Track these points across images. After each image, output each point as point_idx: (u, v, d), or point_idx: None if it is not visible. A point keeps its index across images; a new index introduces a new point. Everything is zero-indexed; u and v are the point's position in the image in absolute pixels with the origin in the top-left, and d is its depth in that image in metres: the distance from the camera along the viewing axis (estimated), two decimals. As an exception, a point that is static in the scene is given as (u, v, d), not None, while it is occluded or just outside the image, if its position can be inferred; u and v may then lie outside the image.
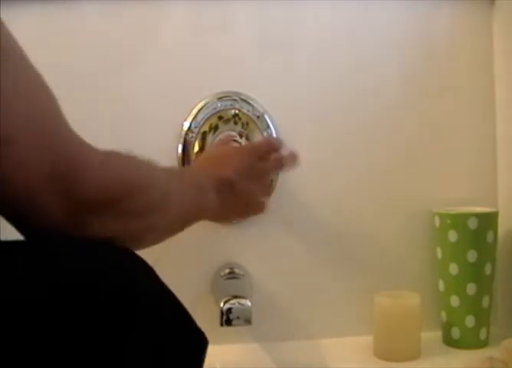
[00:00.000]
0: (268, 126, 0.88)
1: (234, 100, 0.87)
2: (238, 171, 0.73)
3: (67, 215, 0.46)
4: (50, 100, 0.47)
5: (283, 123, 0.88)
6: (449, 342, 0.86)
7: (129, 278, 0.44)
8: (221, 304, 0.74)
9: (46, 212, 0.45)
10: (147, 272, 0.47)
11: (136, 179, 0.53)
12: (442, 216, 0.85)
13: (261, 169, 0.79)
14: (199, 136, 0.86)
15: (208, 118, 0.86)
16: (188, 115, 0.86)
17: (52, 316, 0.39)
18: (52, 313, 0.39)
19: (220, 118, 0.86)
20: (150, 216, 0.54)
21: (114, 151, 0.52)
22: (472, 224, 0.82)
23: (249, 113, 0.87)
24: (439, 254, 0.86)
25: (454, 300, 0.84)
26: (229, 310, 0.73)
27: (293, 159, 0.79)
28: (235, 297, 0.75)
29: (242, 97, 0.87)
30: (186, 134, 0.86)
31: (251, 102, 0.87)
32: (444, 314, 0.86)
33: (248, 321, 0.74)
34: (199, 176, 0.70)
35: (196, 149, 0.86)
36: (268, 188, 0.85)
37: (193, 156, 0.86)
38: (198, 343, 0.48)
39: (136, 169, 0.55)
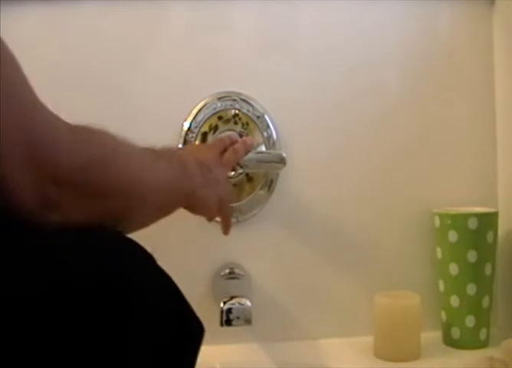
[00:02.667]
0: (268, 126, 0.88)
1: (234, 100, 0.87)
2: (213, 161, 0.73)
3: (40, 197, 0.44)
4: (23, 82, 0.45)
5: (283, 123, 0.88)
6: (449, 342, 0.86)
7: (128, 267, 0.44)
8: (221, 304, 0.74)
9: (18, 198, 0.43)
10: (146, 260, 0.47)
11: (109, 151, 0.52)
12: (442, 216, 0.85)
13: (224, 162, 0.78)
14: (199, 137, 0.86)
15: (208, 118, 0.86)
16: (188, 115, 0.86)
17: (50, 310, 0.39)
18: (49, 307, 0.39)
19: (220, 118, 0.87)
20: (126, 193, 0.52)
21: (85, 125, 0.52)
22: (472, 224, 0.82)
23: (249, 113, 0.87)
24: (439, 254, 0.86)
25: (454, 301, 0.84)
26: (229, 310, 0.73)
27: (244, 145, 0.80)
28: (235, 297, 0.75)
29: (242, 97, 0.87)
30: (186, 134, 0.86)
31: (251, 102, 0.87)
32: (444, 314, 0.86)
33: (248, 321, 0.74)
34: (183, 156, 0.69)
35: (196, 149, 0.86)
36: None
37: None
38: (195, 332, 0.49)
39: (108, 142, 0.54)
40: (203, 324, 0.49)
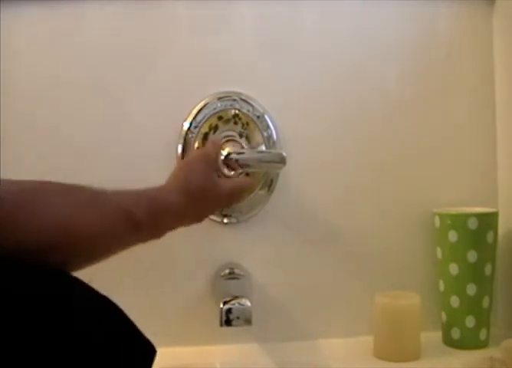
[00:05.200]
0: (268, 126, 0.88)
1: (234, 100, 0.87)
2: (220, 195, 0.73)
3: None
4: None
5: (283, 123, 0.88)
6: (449, 342, 0.85)
7: (66, 299, 0.44)
8: (221, 304, 0.73)
9: None
10: (85, 291, 0.47)
11: (64, 227, 0.49)
12: (442, 216, 0.85)
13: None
14: (199, 137, 0.86)
15: (208, 118, 0.86)
16: (188, 115, 0.86)
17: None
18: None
19: (220, 118, 0.86)
20: (84, 257, 0.52)
21: (42, 189, 0.50)
22: (472, 224, 0.82)
23: (249, 113, 0.87)
24: (439, 255, 0.86)
25: (454, 301, 0.84)
26: (229, 310, 0.73)
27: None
28: (235, 297, 0.75)
29: (242, 97, 0.87)
30: (186, 134, 0.86)
31: (251, 102, 0.87)
32: (444, 315, 0.86)
33: (248, 321, 0.73)
34: (166, 197, 0.65)
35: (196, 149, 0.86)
36: None
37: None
38: (147, 354, 0.48)
39: (66, 213, 0.50)
40: (154, 346, 0.49)
